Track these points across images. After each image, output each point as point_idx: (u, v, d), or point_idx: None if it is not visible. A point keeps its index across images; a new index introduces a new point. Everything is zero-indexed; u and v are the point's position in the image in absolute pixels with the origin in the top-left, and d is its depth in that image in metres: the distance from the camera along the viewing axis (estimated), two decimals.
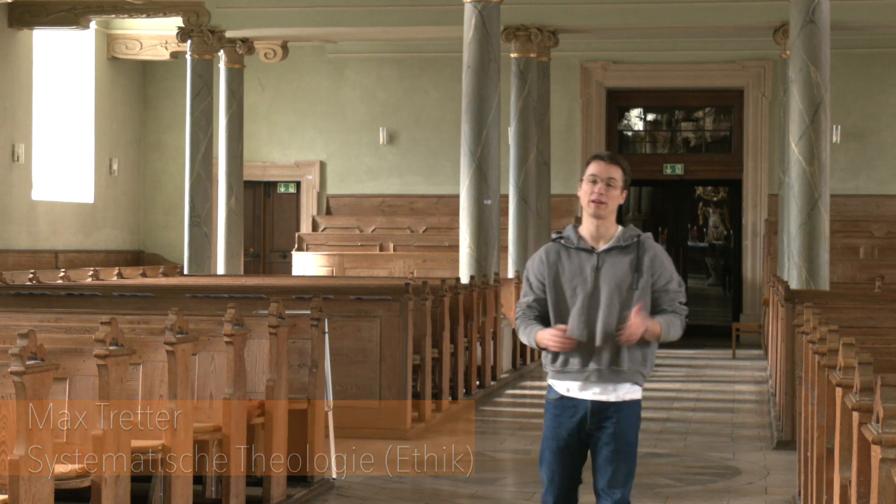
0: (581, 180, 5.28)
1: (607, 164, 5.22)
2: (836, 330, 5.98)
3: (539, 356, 7.15)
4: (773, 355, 13.35)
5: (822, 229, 13.45)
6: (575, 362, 5.21)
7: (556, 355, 5.23)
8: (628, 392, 5.22)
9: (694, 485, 9.07)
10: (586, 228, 5.29)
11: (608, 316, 5.16)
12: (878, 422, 3.90)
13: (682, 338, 18.31)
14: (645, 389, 14.08)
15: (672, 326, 5.24)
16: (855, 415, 4.50)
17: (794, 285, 13.08)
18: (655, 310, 5.23)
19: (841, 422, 5.05)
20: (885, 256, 19.19)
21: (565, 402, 5.25)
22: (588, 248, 5.25)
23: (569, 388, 5.25)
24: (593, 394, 5.21)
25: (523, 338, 5.37)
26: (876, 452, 3.89)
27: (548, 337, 5.19)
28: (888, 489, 3.80)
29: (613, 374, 5.18)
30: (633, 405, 5.26)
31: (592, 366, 5.19)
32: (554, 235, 5.38)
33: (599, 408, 5.21)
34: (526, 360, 16.34)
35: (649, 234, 5.35)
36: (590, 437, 5.24)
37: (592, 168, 5.23)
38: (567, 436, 5.24)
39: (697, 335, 21.41)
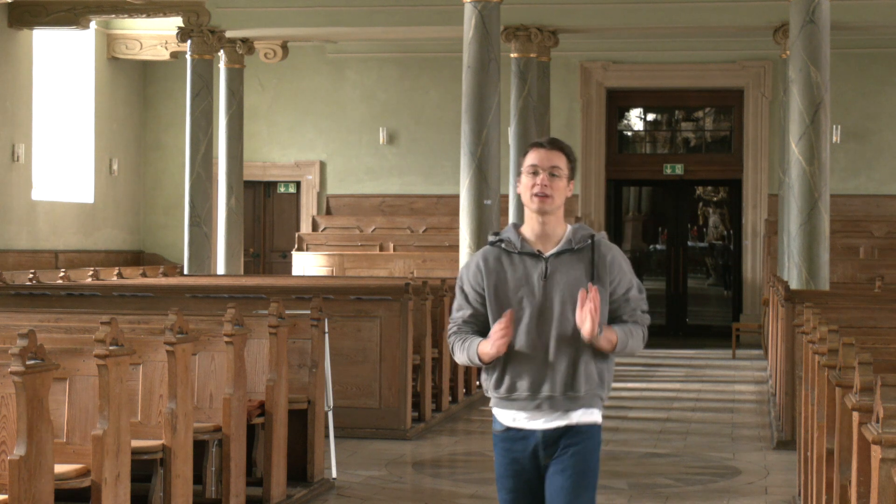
0: (519, 174, 4.53)
1: (548, 151, 4.49)
2: (836, 330, 5.98)
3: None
4: (773, 355, 13.35)
5: (822, 229, 13.45)
6: (524, 387, 4.44)
7: (500, 379, 4.47)
8: (584, 415, 4.48)
9: (694, 485, 9.07)
10: (529, 228, 4.53)
11: (561, 331, 4.42)
12: (878, 422, 3.90)
13: (682, 338, 18.31)
14: (645, 390, 14.05)
15: (632, 338, 4.49)
16: (855, 415, 4.50)
17: (794, 285, 13.08)
18: (614, 321, 4.51)
19: (841, 422, 5.05)
20: (885, 256, 19.18)
21: (513, 434, 4.50)
22: (533, 252, 4.48)
23: (515, 417, 4.49)
24: (544, 422, 4.46)
25: (461, 356, 4.53)
26: (876, 452, 3.89)
27: (492, 340, 4.38)
28: (888, 489, 3.80)
29: (568, 400, 4.45)
30: (591, 429, 4.50)
31: (545, 391, 4.44)
32: (491, 238, 4.57)
33: (552, 436, 4.47)
34: None
35: (604, 234, 4.59)
36: (546, 470, 4.50)
37: (532, 157, 4.50)
38: (522, 471, 4.50)
39: (697, 335, 21.41)
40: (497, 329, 4.37)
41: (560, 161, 4.48)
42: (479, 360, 4.46)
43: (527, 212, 4.53)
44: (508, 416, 4.49)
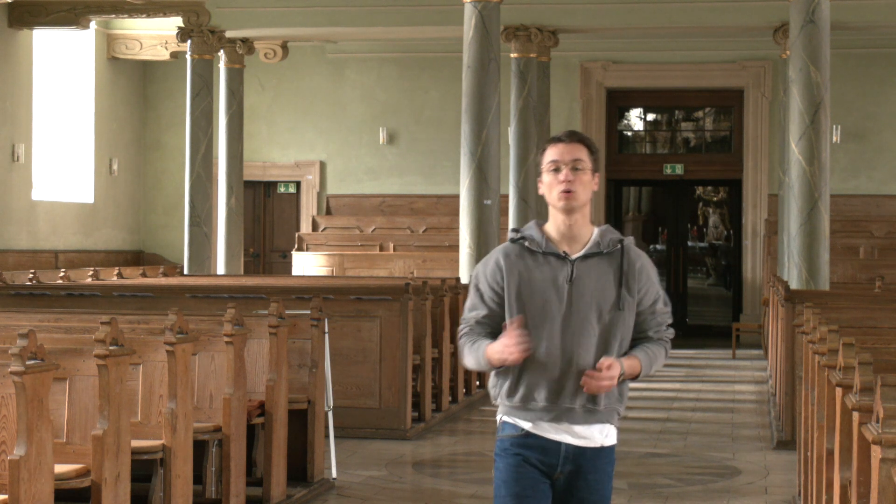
0: (539, 175, 4.25)
1: (568, 145, 4.20)
2: (836, 330, 5.98)
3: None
4: (773, 355, 13.35)
5: (822, 229, 13.45)
6: (541, 397, 4.15)
7: (514, 386, 4.18)
8: (607, 437, 4.23)
9: (694, 485, 9.08)
10: (554, 227, 4.23)
11: (586, 340, 4.14)
12: (878, 422, 3.90)
13: (682, 338, 18.27)
14: (645, 389, 14.07)
15: (655, 361, 4.24)
16: (855, 415, 4.50)
17: (794, 285, 13.08)
18: (638, 335, 4.24)
19: (841, 422, 5.05)
20: (885, 256, 19.18)
21: (531, 441, 4.19)
22: (559, 252, 4.19)
23: (536, 424, 4.19)
24: (571, 437, 4.18)
25: (469, 360, 4.24)
26: (876, 452, 3.89)
27: (500, 348, 4.08)
28: (888, 489, 3.80)
29: (588, 413, 4.17)
30: (610, 452, 4.27)
31: (564, 403, 4.15)
32: (512, 235, 4.26)
33: (574, 454, 4.19)
34: None
35: (632, 239, 4.29)
36: (553, 488, 4.22)
37: (551, 153, 4.20)
38: (532, 482, 4.19)
39: (697, 335, 21.41)
40: (512, 340, 4.06)
41: (582, 153, 4.20)
42: (488, 363, 4.17)
43: (552, 211, 4.24)
44: (527, 423, 4.19)
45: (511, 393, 4.19)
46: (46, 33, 19.16)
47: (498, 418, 4.30)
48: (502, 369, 4.18)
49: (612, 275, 4.18)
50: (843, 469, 4.95)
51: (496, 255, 4.25)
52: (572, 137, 4.22)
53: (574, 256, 4.19)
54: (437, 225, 21.09)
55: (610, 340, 4.16)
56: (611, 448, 4.25)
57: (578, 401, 4.15)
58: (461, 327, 4.31)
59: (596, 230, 4.24)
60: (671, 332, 4.31)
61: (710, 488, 8.93)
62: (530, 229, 4.25)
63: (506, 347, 4.07)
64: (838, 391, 5.17)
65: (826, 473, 5.89)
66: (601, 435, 4.22)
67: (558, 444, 4.18)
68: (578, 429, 4.18)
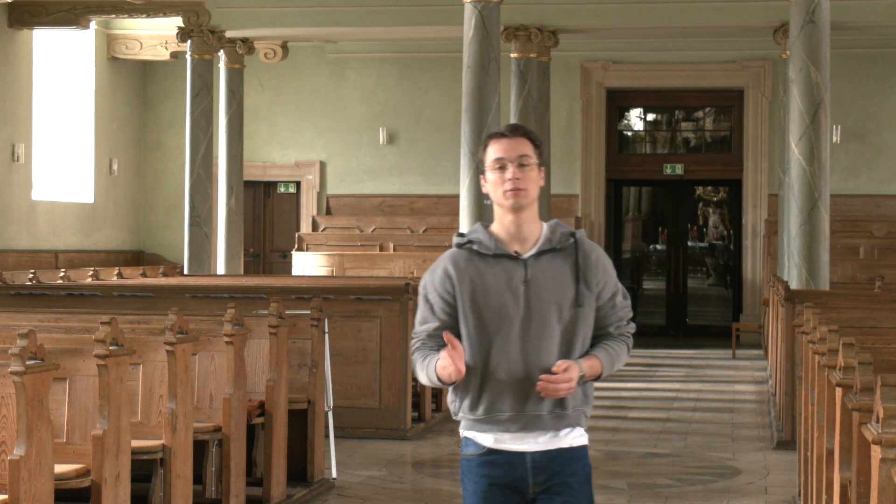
0: (482, 172, 4.03)
1: (511, 140, 3.99)
2: (836, 330, 5.98)
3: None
4: (773, 355, 13.35)
5: (822, 229, 13.44)
6: (506, 406, 3.94)
7: (477, 399, 3.96)
8: (576, 437, 4.02)
9: (694, 485, 9.08)
10: (502, 228, 4.02)
11: (547, 342, 3.94)
12: (878, 422, 3.90)
13: (682, 338, 18.30)
14: (645, 390, 14.08)
15: (617, 360, 4.05)
16: (855, 415, 4.50)
17: (794, 285, 13.08)
18: (599, 332, 4.05)
19: (841, 422, 5.05)
20: (885, 256, 19.18)
21: (495, 458, 3.97)
22: (509, 253, 3.98)
23: (498, 438, 3.98)
24: (536, 443, 3.96)
25: (421, 376, 4.03)
26: (876, 452, 3.89)
27: (440, 362, 3.90)
28: (888, 489, 3.80)
29: (556, 419, 3.97)
30: (583, 452, 4.04)
31: (532, 410, 3.94)
32: (457, 240, 4.05)
33: (544, 460, 3.97)
34: None
35: (583, 231, 4.09)
36: (534, 501, 4.00)
37: (494, 150, 3.99)
38: (502, 501, 3.99)
39: (697, 335, 21.41)
40: (447, 357, 3.87)
41: (526, 148, 3.98)
42: (438, 379, 3.94)
43: (498, 211, 4.03)
44: (489, 438, 3.99)
45: (473, 406, 3.99)
46: (46, 33, 19.16)
47: (460, 434, 4.10)
48: (461, 383, 3.97)
49: (568, 270, 3.99)
50: (843, 469, 4.95)
51: (443, 263, 4.04)
52: (516, 131, 4.02)
53: (526, 255, 3.99)
54: (437, 225, 21.09)
55: (572, 339, 3.98)
56: (582, 448, 4.04)
57: (546, 406, 3.95)
58: (413, 342, 4.08)
59: (545, 226, 4.05)
60: (632, 327, 4.12)
61: (710, 488, 8.93)
62: (476, 232, 4.04)
63: (444, 364, 3.88)
64: (838, 391, 5.17)
65: (826, 473, 5.89)
66: (570, 436, 4.01)
67: (522, 454, 3.97)
68: (545, 434, 3.97)
